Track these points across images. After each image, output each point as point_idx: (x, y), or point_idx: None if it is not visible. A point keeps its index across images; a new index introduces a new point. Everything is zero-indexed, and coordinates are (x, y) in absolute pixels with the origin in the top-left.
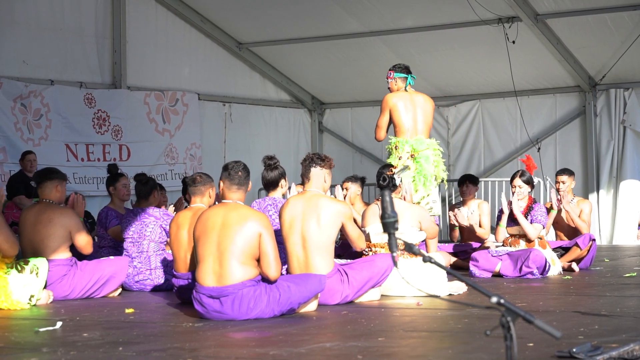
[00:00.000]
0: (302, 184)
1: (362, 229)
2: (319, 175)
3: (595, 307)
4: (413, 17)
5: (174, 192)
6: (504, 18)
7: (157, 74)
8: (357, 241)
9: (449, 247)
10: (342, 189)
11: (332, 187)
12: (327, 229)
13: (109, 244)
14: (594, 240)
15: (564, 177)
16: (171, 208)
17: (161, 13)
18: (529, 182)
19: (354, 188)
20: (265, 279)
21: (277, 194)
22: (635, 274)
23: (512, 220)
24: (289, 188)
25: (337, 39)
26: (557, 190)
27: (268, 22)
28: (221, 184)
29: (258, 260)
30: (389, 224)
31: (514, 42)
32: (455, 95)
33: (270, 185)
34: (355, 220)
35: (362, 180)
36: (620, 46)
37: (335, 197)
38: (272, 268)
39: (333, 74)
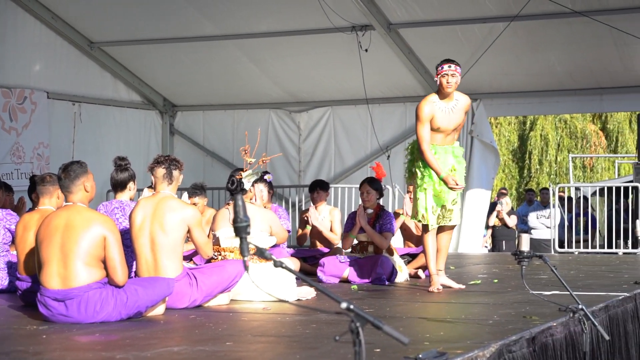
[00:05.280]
0: (154, 187)
1: (212, 232)
2: (178, 178)
3: (440, 314)
4: (268, 22)
5: (21, 192)
6: (357, 26)
7: (5, 70)
8: (203, 248)
9: (298, 252)
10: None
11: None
12: (172, 232)
13: None
14: None
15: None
16: None
17: (10, 8)
18: (378, 189)
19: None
20: (112, 283)
21: (124, 196)
22: (479, 281)
23: (361, 228)
24: (141, 190)
25: (191, 41)
26: (410, 198)
27: (121, 21)
28: None
29: (104, 262)
30: (240, 228)
31: (366, 50)
32: (307, 102)
33: (118, 186)
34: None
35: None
36: (470, 57)
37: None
38: (119, 273)
39: (186, 77)
